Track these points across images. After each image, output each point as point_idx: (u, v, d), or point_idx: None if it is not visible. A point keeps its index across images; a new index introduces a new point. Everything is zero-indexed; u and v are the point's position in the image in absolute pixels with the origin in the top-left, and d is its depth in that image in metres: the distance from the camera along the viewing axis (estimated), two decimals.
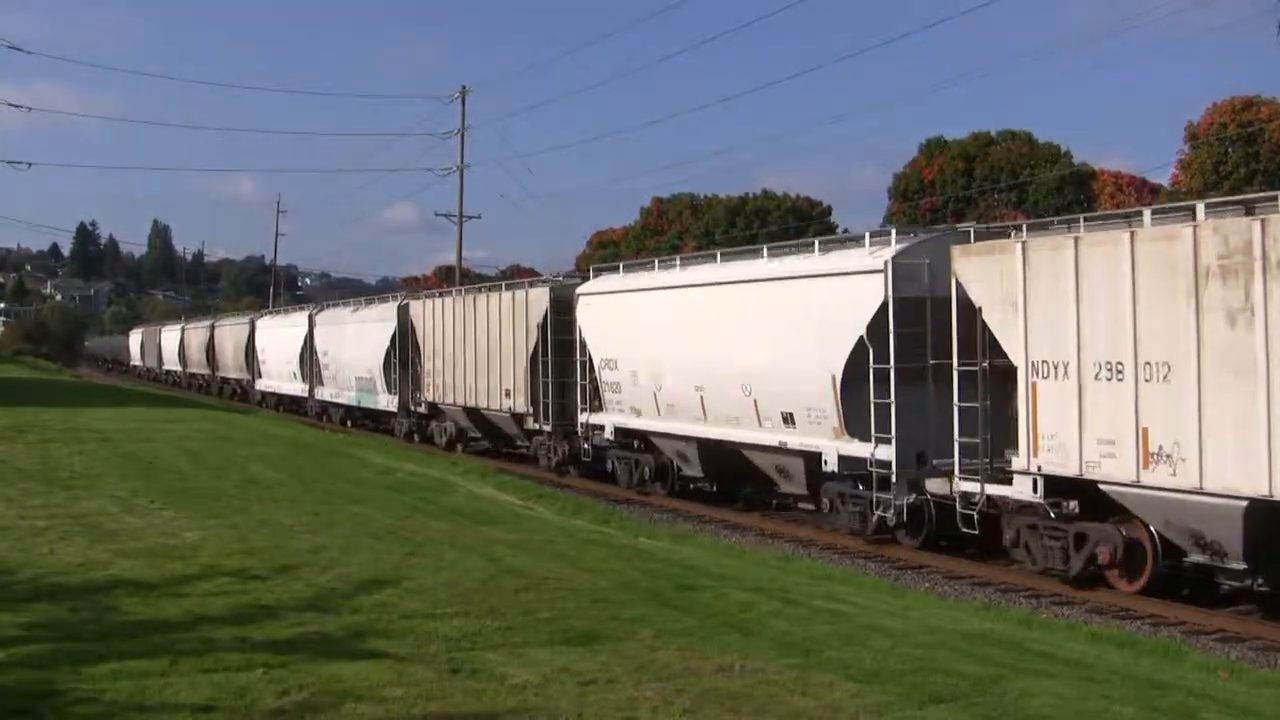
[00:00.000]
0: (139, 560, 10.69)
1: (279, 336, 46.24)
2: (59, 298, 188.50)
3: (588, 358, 23.88)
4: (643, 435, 22.65)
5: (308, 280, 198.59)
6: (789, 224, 73.33)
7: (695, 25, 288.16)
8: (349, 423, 38.90)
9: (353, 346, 37.34)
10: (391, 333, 34.10)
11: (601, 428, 23.51)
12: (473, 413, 29.53)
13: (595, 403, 23.82)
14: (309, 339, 41.95)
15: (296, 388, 44.31)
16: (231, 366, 54.75)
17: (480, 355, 28.47)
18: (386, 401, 34.81)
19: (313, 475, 19.79)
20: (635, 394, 22.20)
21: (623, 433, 23.10)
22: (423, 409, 32.82)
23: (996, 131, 71.33)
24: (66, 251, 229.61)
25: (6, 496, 14.49)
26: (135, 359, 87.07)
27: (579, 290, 24.43)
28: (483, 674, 7.39)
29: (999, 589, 15.14)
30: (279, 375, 46.45)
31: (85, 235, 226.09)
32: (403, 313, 33.94)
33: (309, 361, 42.23)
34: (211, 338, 59.33)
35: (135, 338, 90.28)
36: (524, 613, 9.18)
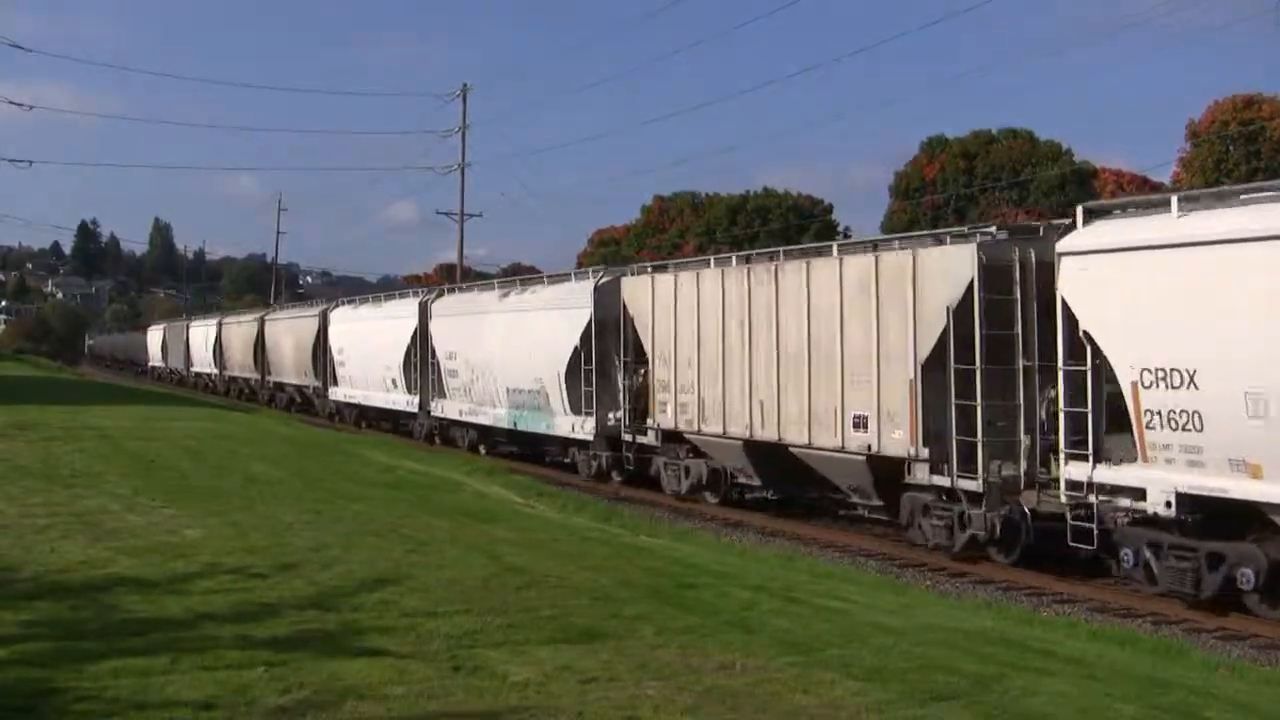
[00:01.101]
0: (140, 558, 10.70)
1: (370, 332, 36.39)
2: (60, 296, 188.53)
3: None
4: None
5: (309, 278, 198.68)
6: (790, 222, 73.34)
7: (695, 24, 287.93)
8: (483, 449, 30.14)
9: (500, 346, 27.62)
10: (584, 324, 23.84)
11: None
12: (774, 451, 19.03)
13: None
14: (420, 336, 32.45)
15: (396, 399, 34.42)
16: (290, 370, 45.67)
17: (798, 359, 18.17)
18: (570, 425, 24.65)
19: (315, 473, 19.80)
20: None
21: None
22: (650, 439, 22.53)
23: (998, 130, 71.32)
24: (68, 250, 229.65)
25: (8, 494, 14.49)
26: (154, 359, 78.86)
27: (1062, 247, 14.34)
28: (484, 672, 7.39)
29: (999, 587, 15.14)
30: (367, 381, 36.71)
31: (86, 233, 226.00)
32: (604, 296, 23.70)
33: (420, 365, 32.70)
34: (260, 335, 49.59)
35: (155, 335, 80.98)
36: (525, 610, 9.18)
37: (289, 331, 45.13)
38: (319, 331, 40.35)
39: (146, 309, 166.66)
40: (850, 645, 8.77)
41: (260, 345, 49.43)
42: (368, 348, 36.22)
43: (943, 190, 68.31)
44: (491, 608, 9.18)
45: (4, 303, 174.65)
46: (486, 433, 29.75)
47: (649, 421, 22.43)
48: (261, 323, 49.81)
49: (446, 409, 31.14)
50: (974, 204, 65.30)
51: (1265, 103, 58.79)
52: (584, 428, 24.31)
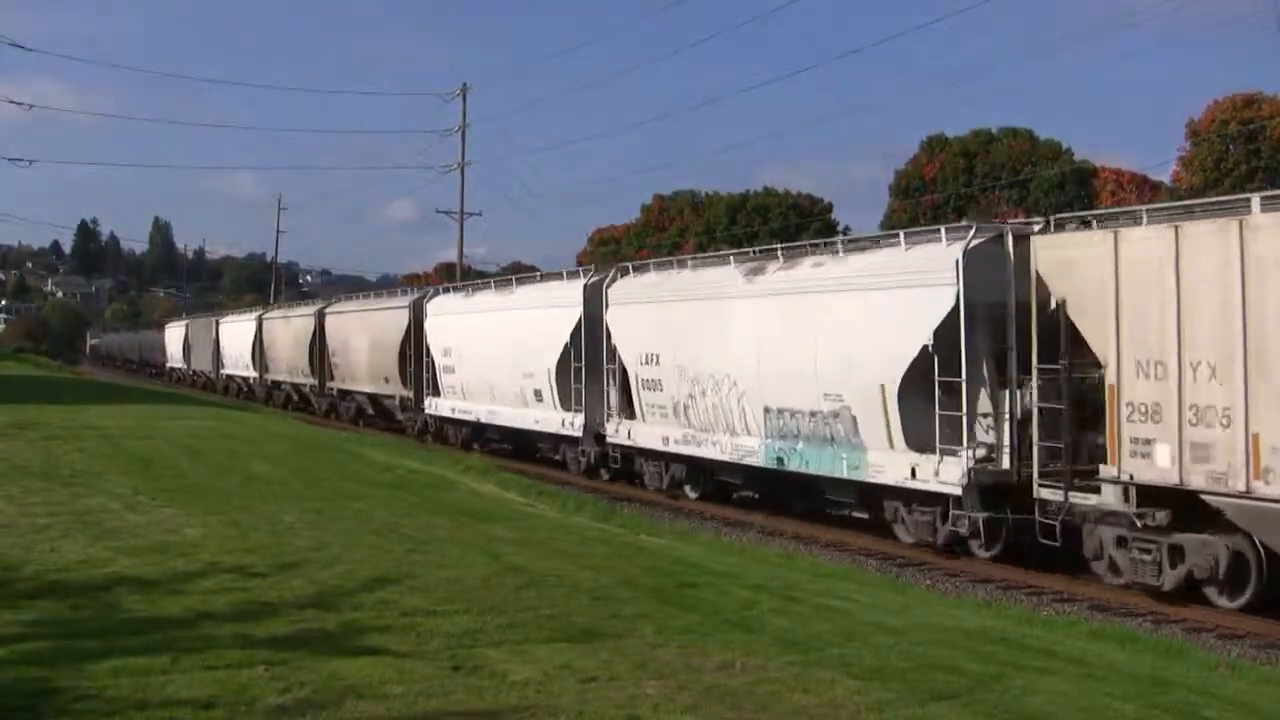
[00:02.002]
0: (140, 557, 10.69)
1: (498, 328, 28.71)
2: (60, 295, 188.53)
3: None
4: None
5: (309, 277, 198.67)
6: (790, 221, 73.34)
7: (696, 23, 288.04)
8: (688, 492, 22.06)
9: (755, 346, 19.03)
10: (944, 315, 15.42)
11: None
12: None
13: None
14: (584, 331, 24.67)
15: (542, 417, 26.62)
16: (362, 375, 38.23)
17: None
18: (908, 467, 16.12)
19: (315, 473, 19.80)
20: None
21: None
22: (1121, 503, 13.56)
23: (998, 129, 71.43)
24: (67, 249, 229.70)
25: (7, 494, 14.49)
26: (174, 360, 70.24)
27: None
28: (484, 671, 7.39)
29: (999, 586, 15.14)
30: (490, 392, 28.98)
31: (86, 232, 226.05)
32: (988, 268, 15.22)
33: (581, 372, 24.73)
34: (318, 332, 42.16)
35: (175, 333, 71.76)
36: (525, 610, 9.18)
37: (362, 328, 38.16)
38: (408, 327, 33.73)
39: (146, 308, 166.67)
40: (850, 644, 8.77)
41: (319, 344, 42.18)
42: (493, 348, 28.82)
43: (943, 189, 68.33)
44: (492, 607, 9.18)
45: (4, 302, 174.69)
46: (710, 470, 21.33)
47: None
48: (320, 317, 42.36)
49: (637, 434, 22.79)
50: (974, 203, 65.31)
51: (1265, 102, 58.83)
52: (943, 473, 15.55)
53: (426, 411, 33.03)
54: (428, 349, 32.86)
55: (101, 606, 8.79)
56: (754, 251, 21.12)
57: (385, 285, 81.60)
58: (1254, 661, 11.42)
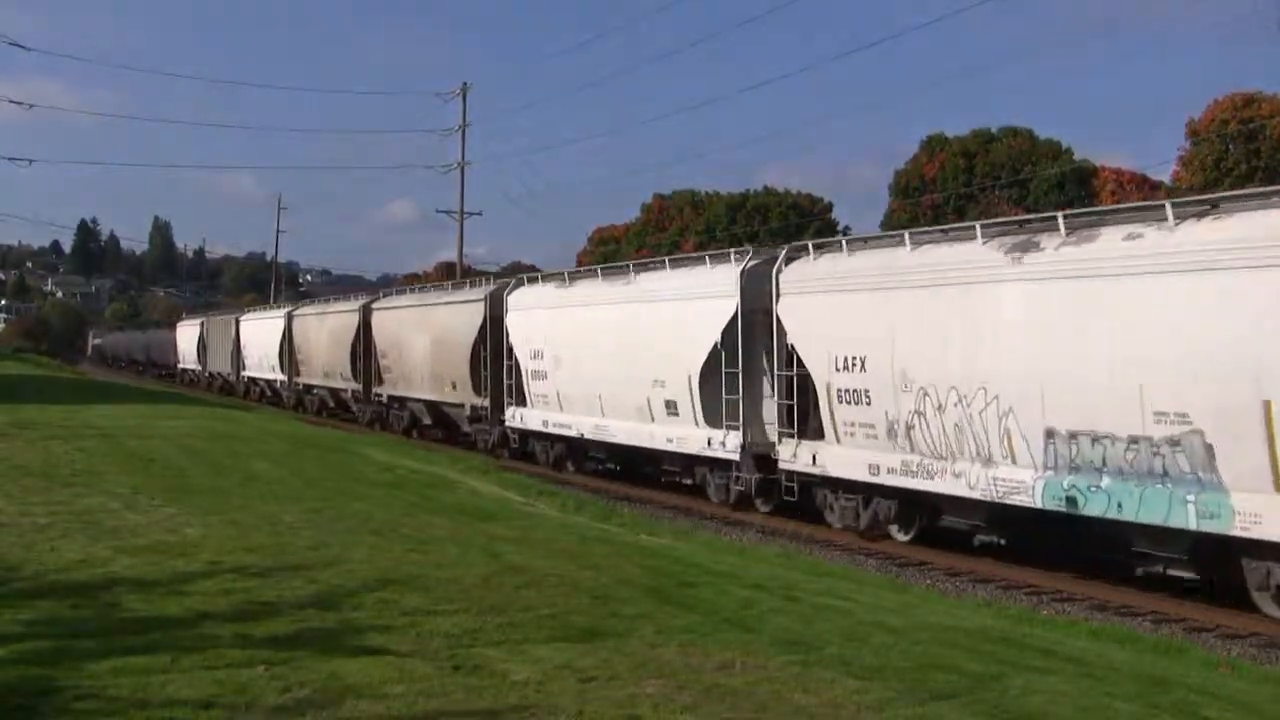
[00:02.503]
0: (140, 557, 10.69)
1: (612, 324, 23.86)
2: (60, 295, 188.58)
3: None
4: None
5: (309, 276, 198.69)
6: (790, 221, 73.35)
7: (695, 22, 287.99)
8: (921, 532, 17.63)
9: (1050, 348, 14.32)
10: None
11: None
12: None
13: None
14: (741, 327, 20.01)
15: (676, 435, 21.79)
16: (423, 381, 33.08)
17: None
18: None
19: (315, 472, 19.79)
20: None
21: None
22: None
23: (997, 128, 71.47)
24: (67, 248, 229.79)
25: (7, 493, 14.48)
26: (187, 361, 66.34)
27: None
28: (484, 671, 7.39)
29: (1000, 585, 15.15)
30: (599, 403, 24.25)
31: (86, 232, 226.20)
32: None
33: (737, 380, 20.00)
34: (363, 330, 37.73)
35: (188, 332, 67.54)
36: (525, 609, 9.18)
37: (421, 326, 33.34)
38: (483, 324, 28.99)
39: (146, 308, 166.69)
40: (850, 644, 8.77)
41: (363, 344, 37.80)
42: (603, 350, 24.12)
43: (943, 189, 68.34)
44: (492, 606, 9.18)
45: (4, 301, 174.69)
46: (934, 506, 16.86)
47: None
48: (365, 313, 37.79)
49: (827, 459, 17.92)
50: (973, 203, 65.33)
51: (1265, 101, 58.83)
52: None
53: (507, 424, 28.25)
54: (510, 350, 27.96)
55: (101, 606, 8.79)
56: (1013, 222, 16.44)
57: (385, 285, 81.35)
58: (1254, 661, 11.42)
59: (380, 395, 36.95)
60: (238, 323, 54.86)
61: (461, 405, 30.74)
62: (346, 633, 8.25)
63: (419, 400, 33.97)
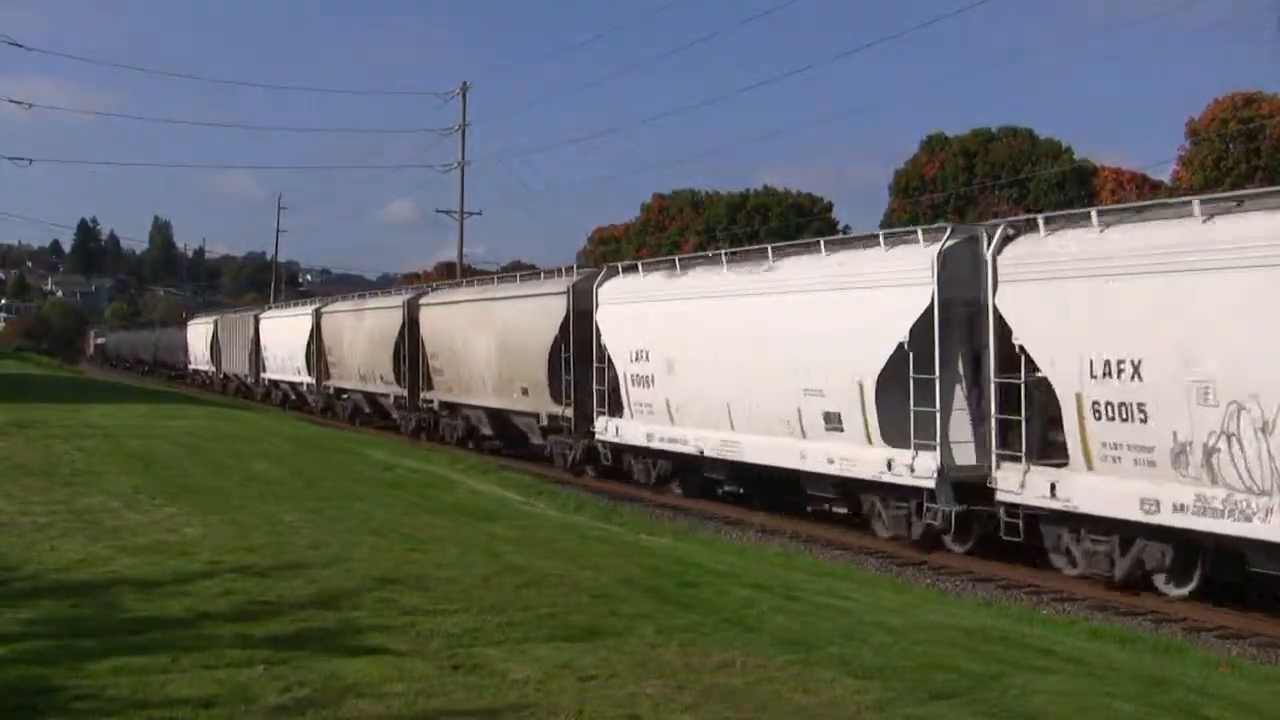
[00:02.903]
0: (140, 557, 10.69)
1: (740, 316, 20.04)
2: (60, 294, 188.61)
3: None
4: None
5: (309, 276, 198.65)
6: (790, 220, 73.35)
7: (695, 21, 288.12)
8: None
9: None
10: None
11: None
12: None
13: None
14: (942, 319, 15.90)
15: (844, 454, 17.58)
16: (484, 385, 29.39)
17: None
18: None
19: (315, 472, 19.78)
20: None
21: None
22: None
23: (997, 128, 71.39)
24: (67, 248, 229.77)
25: (7, 492, 14.48)
26: (199, 362, 63.32)
27: None
28: (483, 670, 7.39)
29: (999, 585, 15.14)
30: (712, 414, 20.70)
31: (86, 231, 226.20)
32: None
33: (933, 385, 15.81)
34: (408, 328, 34.08)
35: (199, 330, 63.91)
36: (525, 609, 9.18)
37: (482, 323, 29.52)
38: (564, 321, 25.27)
39: (146, 307, 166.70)
40: (850, 643, 8.77)
41: (410, 344, 34.12)
42: (732, 351, 20.09)
43: (942, 189, 68.33)
44: (491, 606, 9.18)
45: (4, 301, 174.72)
46: (1231, 551, 13.11)
47: None
48: (411, 309, 34.18)
49: (1076, 489, 14.09)
50: (973, 203, 65.33)
51: (1265, 101, 58.83)
52: None
53: (598, 436, 24.32)
54: (603, 350, 24.03)
55: (101, 606, 8.79)
56: None
57: (385, 284, 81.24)
58: (1254, 661, 11.42)
59: (430, 401, 33.20)
60: (257, 321, 50.74)
61: (534, 414, 26.77)
62: (346, 632, 8.25)
63: (478, 407, 30.12)
